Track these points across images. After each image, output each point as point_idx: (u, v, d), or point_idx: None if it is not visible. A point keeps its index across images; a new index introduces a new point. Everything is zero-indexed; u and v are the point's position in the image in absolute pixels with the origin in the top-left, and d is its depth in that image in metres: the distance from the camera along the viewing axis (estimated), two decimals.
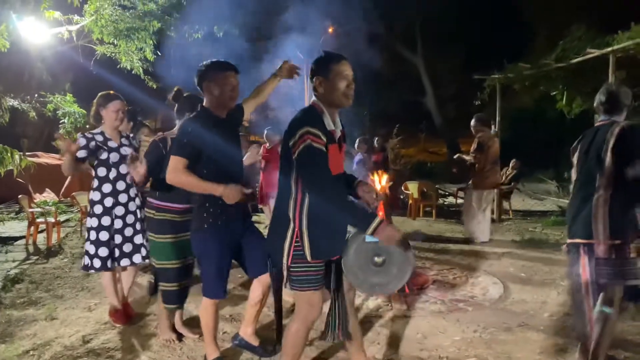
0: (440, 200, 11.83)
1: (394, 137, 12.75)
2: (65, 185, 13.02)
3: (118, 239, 3.83)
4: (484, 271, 5.65)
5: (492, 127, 10.18)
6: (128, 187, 3.87)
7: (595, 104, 3.19)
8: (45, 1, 8.68)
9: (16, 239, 7.75)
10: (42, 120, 13.20)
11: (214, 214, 2.90)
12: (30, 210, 7.55)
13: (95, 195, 3.80)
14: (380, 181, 4.87)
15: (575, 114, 10.26)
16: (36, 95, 11.37)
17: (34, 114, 11.21)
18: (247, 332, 3.38)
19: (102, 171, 3.80)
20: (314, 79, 2.59)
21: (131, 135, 4.15)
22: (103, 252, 3.77)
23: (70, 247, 7.22)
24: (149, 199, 3.54)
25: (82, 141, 3.72)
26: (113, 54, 11.17)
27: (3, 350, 3.53)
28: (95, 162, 3.79)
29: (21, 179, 10.42)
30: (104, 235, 3.77)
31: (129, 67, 11.18)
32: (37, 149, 14.81)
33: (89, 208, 3.89)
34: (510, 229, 8.75)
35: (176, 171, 2.75)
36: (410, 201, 10.36)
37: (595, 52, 7.78)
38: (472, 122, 7.45)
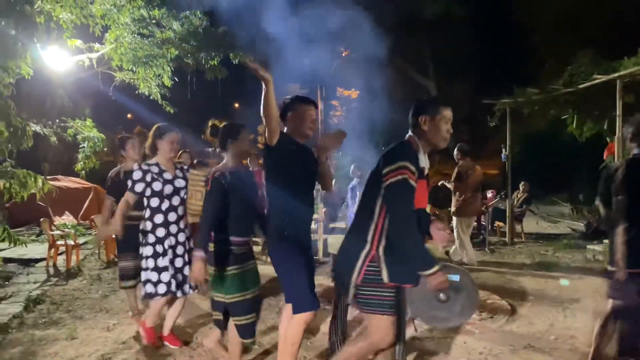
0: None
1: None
2: (83, 208, 13.32)
3: (171, 269, 3.85)
4: (492, 294, 5.71)
5: (503, 150, 10.33)
6: (179, 218, 3.90)
7: (625, 135, 3.31)
8: (67, 30, 9.01)
9: (37, 260, 7.96)
10: (63, 145, 13.57)
11: (290, 225, 3.04)
12: (51, 232, 7.79)
13: (147, 225, 3.84)
14: None
15: (586, 137, 10.33)
16: (57, 120, 11.72)
17: (55, 138, 11.56)
18: None
19: (154, 202, 3.83)
20: (420, 118, 2.72)
21: (185, 167, 4.13)
22: (165, 277, 3.80)
23: (88, 269, 7.41)
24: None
25: (139, 174, 3.79)
26: (132, 80, 11.52)
27: None
28: (149, 193, 3.83)
29: (41, 202, 10.70)
30: (162, 262, 3.81)
31: (147, 93, 11.50)
32: (58, 173, 15.16)
33: (141, 237, 3.92)
34: (521, 252, 8.79)
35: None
36: None
37: (602, 78, 7.89)
38: (455, 151, 7.68)
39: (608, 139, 9.50)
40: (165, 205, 3.84)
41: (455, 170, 7.56)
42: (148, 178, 3.80)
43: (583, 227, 10.90)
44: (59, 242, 7.74)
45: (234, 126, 3.46)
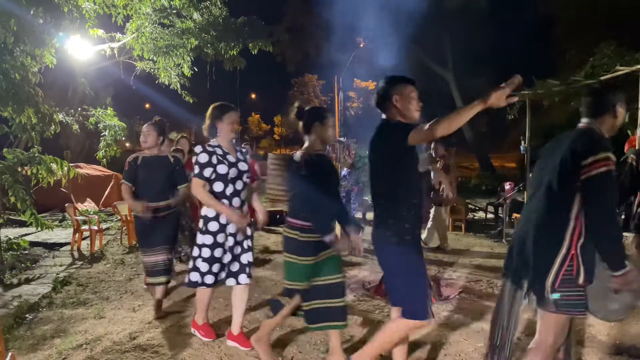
0: (470, 215, 11.88)
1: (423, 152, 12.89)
2: (104, 195, 13.57)
3: (227, 257, 3.69)
4: None
5: (522, 142, 10.30)
6: (242, 204, 3.71)
7: None
8: (90, 20, 9.14)
9: (61, 245, 8.17)
10: (84, 133, 13.80)
11: (411, 227, 2.80)
12: (76, 218, 7.97)
13: (210, 212, 3.62)
14: None
15: None
16: (79, 109, 11.92)
17: (77, 127, 11.76)
18: None
19: (219, 186, 3.60)
20: (616, 105, 2.62)
21: (244, 149, 3.91)
22: (216, 268, 3.65)
23: (111, 253, 7.58)
24: (291, 220, 3.29)
25: (205, 157, 3.53)
26: (152, 70, 11.65)
27: (59, 344, 3.85)
28: (213, 176, 3.58)
29: (64, 188, 10.92)
30: (218, 252, 3.63)
31: (167, 83, 11.63)
32: (79, 161, 15.42)
33: (201, 224, 3.67)
34: None
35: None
36: None
37: (625, 69, 7.80)
38: (435, 145, 8.00)
39: (629, 132, 9.41)
40: (229, 190, 3.62)
41: (441, 163, 8.06)
42: (214, 160, 3.54)
43: None
44: (83, 227, 7.93)
45: (322, 109, 3.41)
